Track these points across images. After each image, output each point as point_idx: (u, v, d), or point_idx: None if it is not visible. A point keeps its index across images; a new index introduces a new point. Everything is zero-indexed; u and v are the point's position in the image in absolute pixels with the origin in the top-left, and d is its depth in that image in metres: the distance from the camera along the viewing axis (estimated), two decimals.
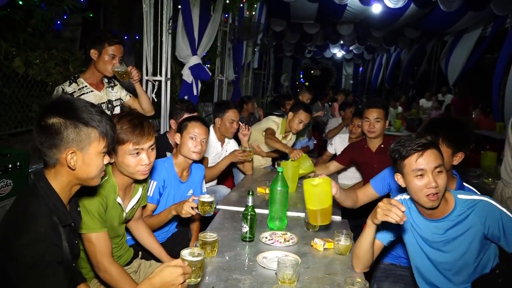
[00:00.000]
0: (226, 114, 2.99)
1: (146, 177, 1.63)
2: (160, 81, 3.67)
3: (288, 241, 1.82)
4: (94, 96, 2.35)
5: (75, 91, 2.28)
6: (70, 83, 2.29)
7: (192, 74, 4.08)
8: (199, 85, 4.29)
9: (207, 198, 1.84)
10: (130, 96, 2.62)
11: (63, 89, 2.24)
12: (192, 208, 1.80)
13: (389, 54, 13.03)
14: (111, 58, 2.31)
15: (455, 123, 1.75)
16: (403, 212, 1.36)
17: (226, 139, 3.14)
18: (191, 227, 2.34)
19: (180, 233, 2.29)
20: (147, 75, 3.63)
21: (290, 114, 3.35)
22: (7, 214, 1.15)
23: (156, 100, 3.66)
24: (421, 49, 11.04)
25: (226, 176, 3.43)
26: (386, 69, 13.38)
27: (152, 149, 1.59)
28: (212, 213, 1.86)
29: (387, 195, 2.08)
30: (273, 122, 3.42)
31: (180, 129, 2.16)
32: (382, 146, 2.81)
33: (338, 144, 3.65)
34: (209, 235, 1.65)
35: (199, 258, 1.28)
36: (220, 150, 3.10)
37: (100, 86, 2.42)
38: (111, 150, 1.38)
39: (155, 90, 3.66)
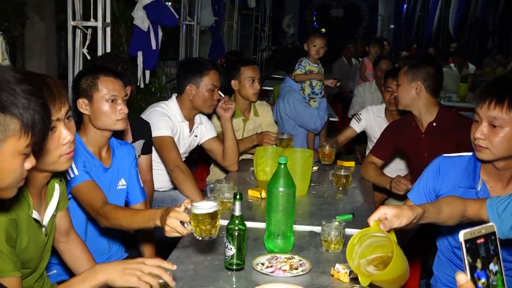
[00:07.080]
0: (204, 79, 2.96)
1: (70, 163, 1.66)
2: (95, 28, 3.64)
3: (297, 268, 1.83)
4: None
5: None
6: None
7: (149, 17, 4.06)
8: (160, 34, 4.25)
9: (204, 207, 1.63)
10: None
11: None
12: (182, 223, 1.61)
13: None
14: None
15: None
16: None
17: (197, 120, 3.13)
18: (142, 250, 2.37)
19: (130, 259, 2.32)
20: (74, 19, 3.59)
21: (234, 82, 3.49)
22: None
23: (89, 57, 3.63)
24: None
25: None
26: (445, 7, 13.31)
27: (68, 118, 1.64)
28: (214, 237, 1.68)
29: None
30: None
31: (85, 91, 2.14)
32: (434, 124, 2.79)
33: (370, 119, 3.60)
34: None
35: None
36: (187, 135, 3.09)
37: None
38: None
39: (87, 42, 3.63)
